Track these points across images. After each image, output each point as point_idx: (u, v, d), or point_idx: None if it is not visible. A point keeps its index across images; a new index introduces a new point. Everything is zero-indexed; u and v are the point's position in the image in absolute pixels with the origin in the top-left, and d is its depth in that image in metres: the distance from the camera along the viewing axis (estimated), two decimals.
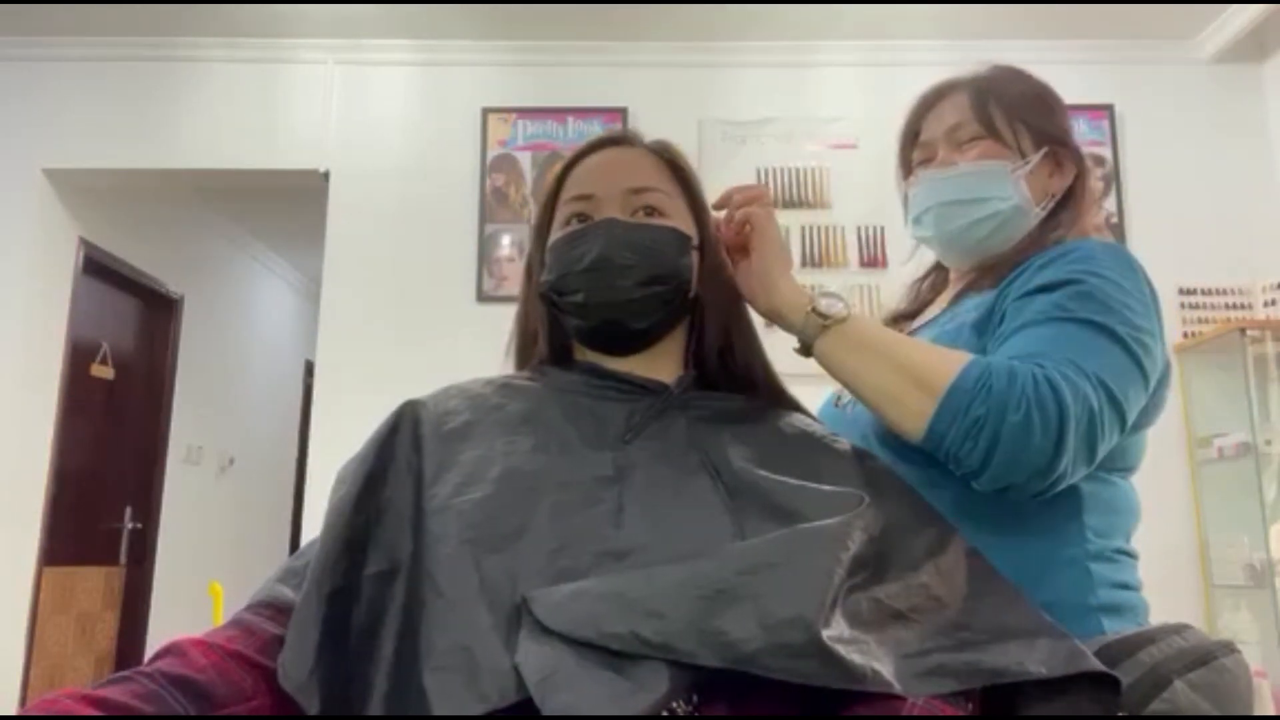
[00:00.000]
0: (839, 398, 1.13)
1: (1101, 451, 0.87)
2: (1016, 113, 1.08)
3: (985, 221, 1.07)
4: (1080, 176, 1.09)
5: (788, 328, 0.97)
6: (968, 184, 1.07)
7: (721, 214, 1.01)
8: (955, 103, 1.10)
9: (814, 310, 0.93)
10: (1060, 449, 0.83)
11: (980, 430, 0.83)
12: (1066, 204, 1.09)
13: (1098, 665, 0.71)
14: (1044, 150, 1.08)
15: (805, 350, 0.96)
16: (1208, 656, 0.81)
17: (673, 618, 0.64)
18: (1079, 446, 0.84)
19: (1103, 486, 0.96)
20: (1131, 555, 1.00)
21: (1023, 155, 1.07)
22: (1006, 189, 1.06)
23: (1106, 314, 0.90)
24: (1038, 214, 1.07)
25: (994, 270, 1.05)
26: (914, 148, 1.14)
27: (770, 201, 1.01)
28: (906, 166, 1.16)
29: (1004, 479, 0.85)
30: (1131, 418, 0.90)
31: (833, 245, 3.39)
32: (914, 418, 0.87)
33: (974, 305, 1.03)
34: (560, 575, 0.70)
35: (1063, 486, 0.88)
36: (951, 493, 0.92)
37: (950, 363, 0.87)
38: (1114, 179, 3.39)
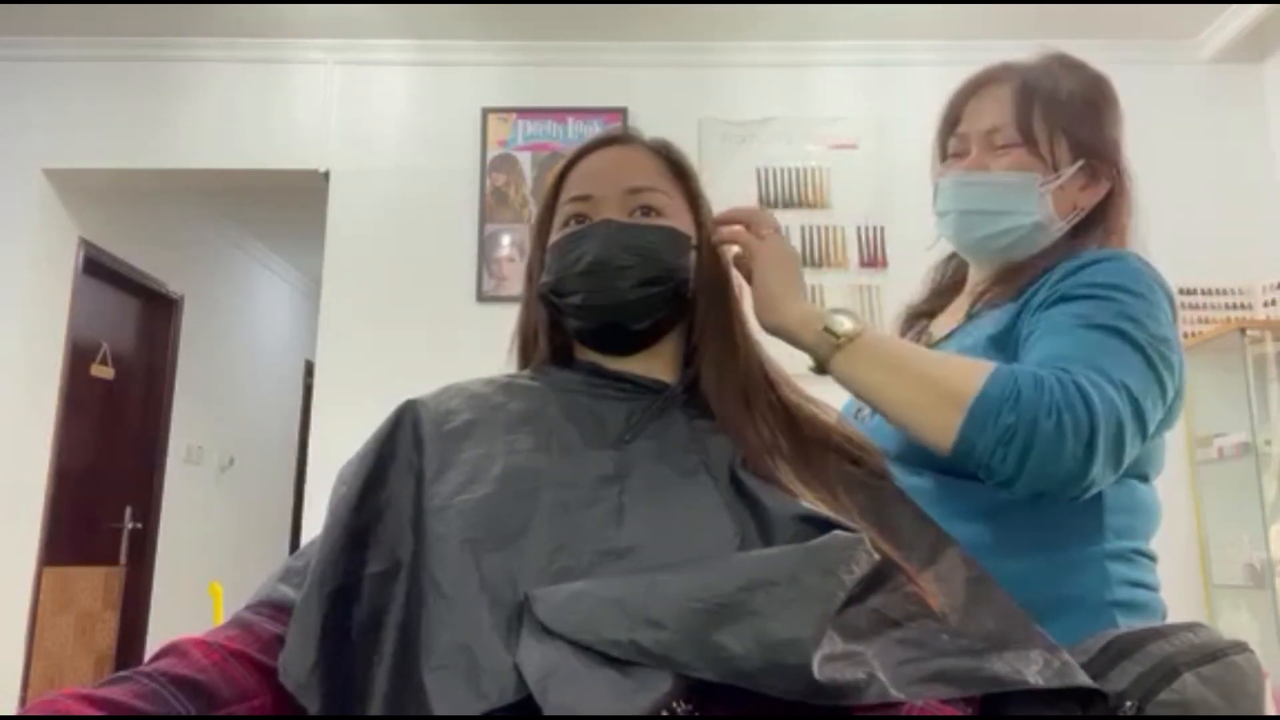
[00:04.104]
0: (859, 409, 1.12)
1: (1127, 458, 0.87)
2: (1059, 120, 1.05)
3: (1003, 235, 1.07)
4: (1115, 192, 1.07)
5: (800, 346, 0.95)
6: (992, 195, 1.06)
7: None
8: (998, 99, 1.07)
9: (826, 329, 0.92)
10: (1091, 455, 0.82)
11: (1012, 439, 0.82)
12: (1097, 220, 1.07)
13: (1088, 681, 0.72)
14: (1080, 163, 1.05)
15: (820, 369, 0.94)
16: (1219, 653, 0.81)
17: (673, 629, 0.64)
18: (1108, 452, 0.83)
19: (1124, 490, 0.97)
20: (1150, 557, 1.00)
21: (1056, 168, 1.05)
22: (1030, 204, 1.04)
23: (1129, 322, 0.90)
24: (1060, 227, 1.06)
25: (1013, 279, 1.04)
26: (951, 135, 1.12)
27: (767, 222, 1.00)
28: (942, 151, 1.14)
29: (1037, 486, 0.84)
30: (1150, 429, 0.90)
31: (833, 245, 3.39)
32: (942, 430, 0.85)
33: (992, 319, 1.02)
34: (560, 574, 0.70)
35: (1092, 494, 0.86)
36: (973, 498, 0.92)
37: (975, 372, 0.86)
38: None
